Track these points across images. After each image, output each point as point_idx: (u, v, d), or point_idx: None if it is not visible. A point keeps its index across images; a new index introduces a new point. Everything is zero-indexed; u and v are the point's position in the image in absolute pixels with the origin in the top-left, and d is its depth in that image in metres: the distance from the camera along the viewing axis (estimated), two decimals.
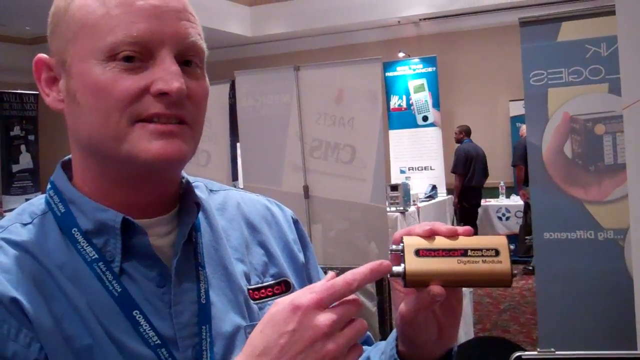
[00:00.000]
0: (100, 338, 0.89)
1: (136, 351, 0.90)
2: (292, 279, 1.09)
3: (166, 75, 0.89)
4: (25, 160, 11.84)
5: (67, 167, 1.01)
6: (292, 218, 1.18)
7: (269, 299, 1.05)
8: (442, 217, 9.75)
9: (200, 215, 1.04)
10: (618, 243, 3.63)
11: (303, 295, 0.80)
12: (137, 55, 0.89)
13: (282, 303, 0.81)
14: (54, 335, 0.87)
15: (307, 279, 1.13)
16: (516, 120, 9.95)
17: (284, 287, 1.07)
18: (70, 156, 1.02)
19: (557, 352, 1.82)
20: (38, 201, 1.00)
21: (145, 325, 0.91)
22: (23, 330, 0.86)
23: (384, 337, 3.79)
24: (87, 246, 0.93)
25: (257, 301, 1.04)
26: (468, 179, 9.33)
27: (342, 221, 5.42)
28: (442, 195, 10.11)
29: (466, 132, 9.64)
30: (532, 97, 4.01)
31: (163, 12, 0.91)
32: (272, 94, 5.55)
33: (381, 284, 4.06)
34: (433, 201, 9.58)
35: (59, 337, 0.87)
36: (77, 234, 0.94)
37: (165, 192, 1.00)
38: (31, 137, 12.02)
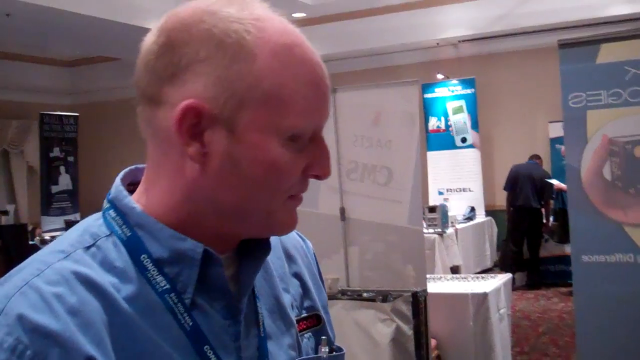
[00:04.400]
0: None
1: None
2: (321, 313, 1.07)
3: (324, 160, 0.89)
4: (64, 181, 12.00)
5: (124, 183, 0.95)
6: (313, 252, 1.14)
7: (304, 332, 1.02)
8: (481, 239, 9.70)
9: None
10: None
11: None
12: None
13: None
14: None
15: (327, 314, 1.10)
16: (556, 142, 9.87)
17: (316, 321, 1.05)
18: (128, 170, 0.97)
19: None
20: (96, 222, 0.91)
21: None
22: None
23: None
24: (157, 275, 0.86)
25: (300, 332, 1.02)
26: (514, 198, 9.32)
27: (379, 243, 5.41)
28: (480, 217, 10.07)
29: (533, 155, 9.71)
30: (571, 119, 3.99)
31: (328, 91, 0.90)
32: None
33: (417, 307, 4.06)
34: (471, 223, 9.55)
35: None
36: (146, 261, 0.87)
37: None
38: (71, 159, 12.20)
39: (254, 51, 0.84)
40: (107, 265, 0.85)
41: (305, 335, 1.02)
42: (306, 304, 1.05)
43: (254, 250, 0.95)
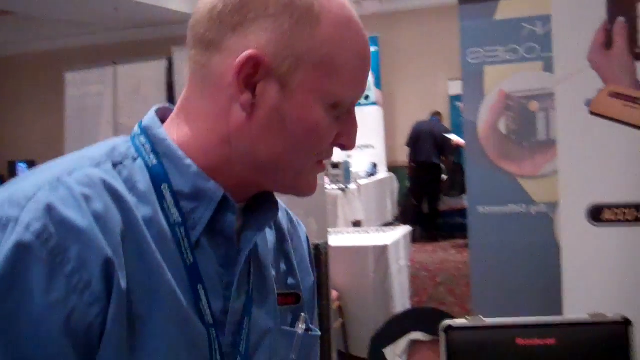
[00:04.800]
0: (162, 306, 0.86)
1: (193, 326, 0.88)
2: (302, 294, 1.09)
3: (352, 132, 0.95)
4: None
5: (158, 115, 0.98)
6: (307, 235, 1.17)
7: (280, 307, 1.04)
8: (383, 195, 9.87)
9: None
10: (549, 216, 3.74)
11: None
12: None
13: None
14: (122, 298, 0.82)
15: (312, 301, 1.13)
16: (455, 99, 10.09)
17: (295, 299, 1.07)
18: (163, 106, 0.99)
19: (485, 320, 1.88)
20: (125, 143, 0.93)
21: (205, 302, 0.90)
22: (91, 288, 0.80)
23: (321, 311, 3.79)
24: (173, 207, 0.90)
25: (279, 306, 1.05)
26: (416, 154, 9.62)
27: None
28: (382, 173, 10.23)
29: (434, 112, 10.01)
30: (469, 74, 4.08)
31: (370, 69, 0.97)
32: None
33: (319, 258, 4.10)
34: (374, 179, 9.69)
35: (124, 300, 0.82)
36: (165, 191, 0.90)
37: None
38: None
39: (319, 17, 0.89)
40: (130, 184, 0.88)
41: (282, 309, 1.04)
42: (289, 281, 1.08)
43: (261, 209, 0.99)
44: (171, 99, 5.86)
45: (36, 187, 0.81)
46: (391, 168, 10.60)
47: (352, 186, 8.35)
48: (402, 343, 2.85)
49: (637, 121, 2.28)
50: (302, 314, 1.06)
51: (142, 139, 0.93)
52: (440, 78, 10.76)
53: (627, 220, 2.29)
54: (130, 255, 0.83)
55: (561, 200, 2.48)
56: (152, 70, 5.91)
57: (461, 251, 8.36)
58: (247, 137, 0.91)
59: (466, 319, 1.90)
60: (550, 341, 1.78)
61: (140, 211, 0.87)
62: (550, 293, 2.87)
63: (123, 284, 0.81)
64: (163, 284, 0.86)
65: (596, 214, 2.34)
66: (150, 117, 0.96)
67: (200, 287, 0.89)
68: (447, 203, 9.68)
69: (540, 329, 1.82)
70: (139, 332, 0.83)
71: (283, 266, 1.08)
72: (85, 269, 0.79)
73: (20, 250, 0.77)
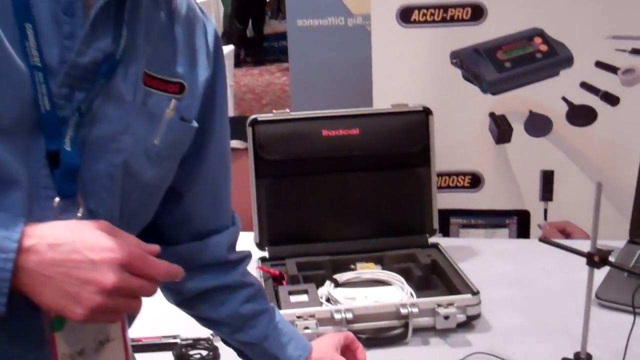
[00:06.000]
0: None
1: (10, 61, 0.82)
2: (188, 85, 1.01)
3: None
4: None
5: None
6: (215, 32, 1.08)
7: (159, 91, 0.97)
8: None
9: None
10: (365, 28, 3.78)
11: (129, 244, 0.81)
12: None
13: (111, 230, 0.81)
14: None
15: (210, 98, 1.06)
16: None
17: (178, 89, 0.99)
18: None
19: (291, 113, 1.90)
20: None
21: (33, 43, 0.83)
22: None
23: None
24: None
25: (147, 87, 0.95)
26: None
27: None
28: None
29: None
30: None
31: None
32: None
33: None
34: (197, 2, 9.40)
35: None
36: None
37: None
38: None
39: None
40: None
41: (159, 95, 0.96)
42: (178, 69, 0.99)
43: None
44: None
45: None
46: None
47: None
48: None
49: None
50: (174, 100, 0.98)
51: None
52: None
53: (434, 21, 2.35)
54: None
55: (372, 2, 2.49)
56: None
57: (286, 74, 8.41)
58: None
59: (273, 113, 1.91)
60: (355, 131, 1.84)
61: None
62: (365, 99, 2.95)
63: None
64: None
65: (405, 16, 2.38)
66: None
67: (29, 26, 0.83)
68: (272, 26, 9.60)
69: (345, 119, 1.86)
70: None
71: (170, 50, 1.00)
72: None
73: None
